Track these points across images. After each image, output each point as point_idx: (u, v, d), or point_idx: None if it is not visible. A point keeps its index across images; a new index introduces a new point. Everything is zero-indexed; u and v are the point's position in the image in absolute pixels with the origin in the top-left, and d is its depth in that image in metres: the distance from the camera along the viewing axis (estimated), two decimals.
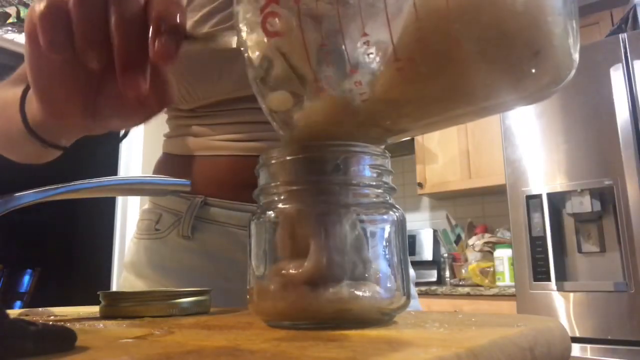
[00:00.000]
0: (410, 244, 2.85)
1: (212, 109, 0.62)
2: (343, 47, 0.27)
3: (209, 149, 0.62)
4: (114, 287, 2.79)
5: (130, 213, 2.89)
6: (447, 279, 2.71)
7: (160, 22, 0.30)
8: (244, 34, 0.29)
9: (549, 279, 1.88)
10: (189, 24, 0.57)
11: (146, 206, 0.67)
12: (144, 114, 0.36)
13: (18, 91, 0.44)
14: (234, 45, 0.31)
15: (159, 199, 0.64)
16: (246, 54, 0.29)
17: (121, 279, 0.66)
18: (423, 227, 3.06)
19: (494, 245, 2.44)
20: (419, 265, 2.83)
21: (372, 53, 0.27)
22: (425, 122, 0.33)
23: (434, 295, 2.36)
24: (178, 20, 0.31)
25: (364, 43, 0.27)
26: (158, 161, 0.69)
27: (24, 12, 2.49)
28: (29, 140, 0.42)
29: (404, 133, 0.34)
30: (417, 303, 0.66)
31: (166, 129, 0.69)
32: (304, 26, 0.27)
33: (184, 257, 0.61)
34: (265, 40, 0.28)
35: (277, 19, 0.27)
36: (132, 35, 0.31)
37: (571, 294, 1.84)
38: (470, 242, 2.58)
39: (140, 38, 0.31)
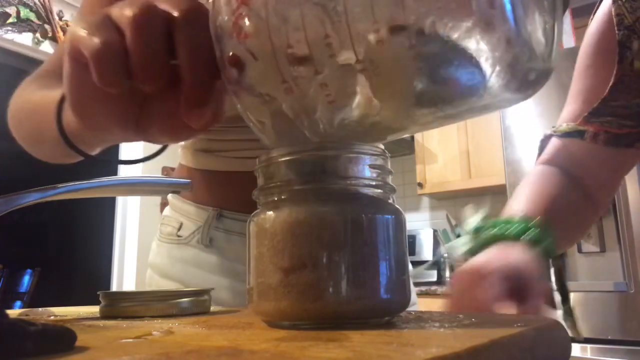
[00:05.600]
0: (410, 244, 2.85)
1: (225, 124, 0.63)
2: (307, 48, 0.27)
3: (221, 165, 0.64)
4: (114, 287, 2.79)
5: (130, 213, 2.89)
6: (447, 279, 2.70)
7: None
8: (218, 36, 0.29)
9: (548, 279, 1.88)
10: None
11: (167, 212, 0.69)
12: (192, 132, 0.34)
13: (50, 94, 0.42)
14: None
15: (180, 207, 0.67)
16: (220, 55, 0.29)
17: (147, 277, 0.69)
18: (423, 227, 3.06)
19: None
20: (419, 265, 2.83)
21: (334, 55, 0.27)
22: (399, 126, 0.33)
23: (434, 295, 2.35)
24: None
25: (327, 45, 0.27)
26: (175, 171, 0.72)
27: (24, 12, 2.49)
28: (62, 146, 0.41)
29: (389, 134, 0.34)
30: (414, 296, 0.68)
31: None
32: (272, 28, 0.27)
33: (205, 263, 0.63)
34: (237, 41, 0.28)
35: (247, 21, 0.28)
36: (202, 70, 0.30)
37: (571, 294, 1.84)
38: None
39: (210, 69, 0.30)
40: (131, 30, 0.29)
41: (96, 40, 0.29)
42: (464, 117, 0.33)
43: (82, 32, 0.29)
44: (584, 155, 0.62)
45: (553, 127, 0.66)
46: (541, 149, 0.67)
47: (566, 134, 0.64)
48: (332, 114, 0.30)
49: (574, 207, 0.57)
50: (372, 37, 0.26)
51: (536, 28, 0.28)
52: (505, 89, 0.29)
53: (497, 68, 0.27)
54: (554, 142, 0.65)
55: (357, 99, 0.29)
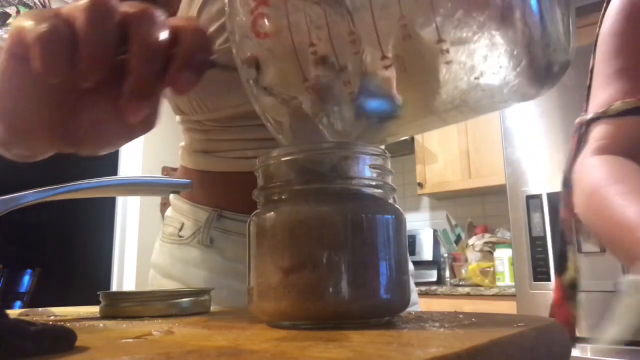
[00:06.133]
0: (410, 244, 2.85)
1: (223, 123, 0.63)
2: (331, 46, 0.27)
3: (219, 166, 0.64)
4: (114, 287, 2.78)
5: (130, 213, 2.89)
6: (447, 279, 2.70)
7: (190, 55, 0.29)
8: (235, 36, 0.29)
9: (549, 279, 1.88)
10: None
11: (169, 212, 0.70)
12: (122, 139, 0.33)
13: None
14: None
15: (181, 207, 0.67)
16: (237, 56, 0.29)
17: (149, 277, 0.70)
18: (423, 227, 3.06)
19: (494, 245, 2.44)
20: (419, 265, 2.83)
21: (359, 51, 0.27)
22: (420, 121, 0.33)
23: (434, 295, 2.36)
24: (206, 54, 0.30)
25: (351, 42, 0.27)
26: (177, 172, 0.72)
27: (24, 12, 2.49)
28: None
29: (401, 133, 0.34)
30: (415, 296, 0.68)
31: (167, 133, 0.71)
32: (293, 27, 0.27)
33: (205, 263, 0.64)
34: (256, 41, 0.28)
35: (266, 21, 0.28)
36: (153, 63, 0.29)
37: None
38: (470, 242, 2.58)
39: (160, 65, 0.29)
40: (84, 17, 0.28)
41: (43, 26, 0.28)
42: (486, 111, 0.32)
43: (28, 23, 0.29)
44: None
45: (583, 113, 0.61)
46: (580, 137, 0.62)
47: (625, 113, 0.57)
48: (354, 112, 0.30)
49: None
50: (399, 33, 0.26)
51: (557, 21, 0.28)
52: (529, 81, 0.29)
53: (523, 61, 0.27)
54: (606, 127, 0.59)
55: (381, 95, 0.29)
